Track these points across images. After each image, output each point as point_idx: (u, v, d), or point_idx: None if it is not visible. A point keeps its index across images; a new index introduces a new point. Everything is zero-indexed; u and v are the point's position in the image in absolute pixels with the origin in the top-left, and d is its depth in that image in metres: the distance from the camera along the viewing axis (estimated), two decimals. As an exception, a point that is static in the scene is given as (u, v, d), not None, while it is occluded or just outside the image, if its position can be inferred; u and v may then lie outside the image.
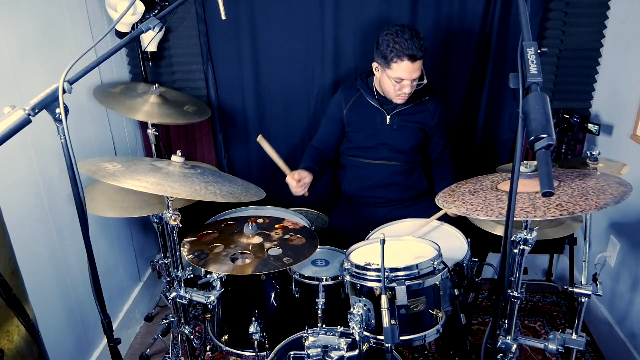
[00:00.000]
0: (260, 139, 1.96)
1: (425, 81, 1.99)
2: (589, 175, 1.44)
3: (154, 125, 2.17)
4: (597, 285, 1.49)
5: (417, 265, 1.49)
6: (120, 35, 2.19)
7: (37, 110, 1.08)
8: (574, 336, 1.49)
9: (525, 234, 1.34)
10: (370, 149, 2.19)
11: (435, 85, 2.20)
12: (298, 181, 1.99)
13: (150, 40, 2.26)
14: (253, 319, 1.73)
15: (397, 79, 1.95)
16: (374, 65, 2.04)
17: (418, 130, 2.17)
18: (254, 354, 1.77)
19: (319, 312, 1.66)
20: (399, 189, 2.22)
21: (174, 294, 1.66)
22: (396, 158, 2.19)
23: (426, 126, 2.18)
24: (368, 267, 1.51)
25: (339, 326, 1.54)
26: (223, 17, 1.46)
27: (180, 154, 1.60)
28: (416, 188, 2.27)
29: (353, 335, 1.47)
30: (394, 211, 2.20)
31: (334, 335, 1.49)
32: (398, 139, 2.16)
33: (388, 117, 2.13)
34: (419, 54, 1.90)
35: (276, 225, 1.84)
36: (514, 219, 1.07)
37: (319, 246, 1.80)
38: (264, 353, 1.77)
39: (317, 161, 2.17)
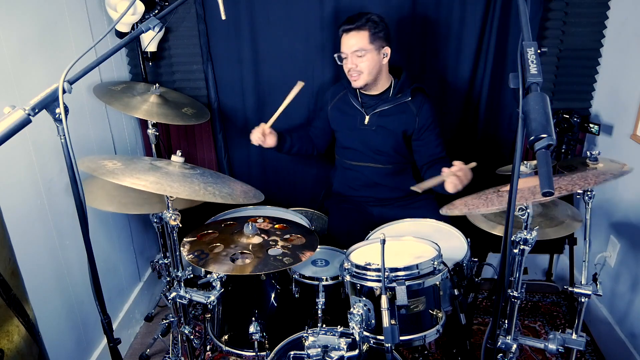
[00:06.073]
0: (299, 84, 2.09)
1: (368, 49, 1.97)
2: (589, 170, 1.46)
3: (154, 125, 2.17)
4: (597, 285, 1.49)
5: (417, 265, 1.50)
6: (120, 35, 2.19)
7: (37, 110, 1.08)
8: (574, 336, 1.49)
9: (525, 234, 1.34)
10: (351, 150, 2.19)
11: (435, 85, 2.20)
12: (262, 133, 2.12)
13: (150, 40, 2.26)
14: (253, 319, 1.73)
15: (344, 54, 2.03)
16: None
17: (398, 131, 2.11)
18: (254, 354, 1.77)
19: (319, 312, 1.66)
20: (387, 190, 2.21)
21: (174, 294, 1.66)
22: (380, 160, 2.17)
23: (407, 127, 2.10)
24: (368, 267, 1.51)
25: (339, 326, 1.54)
26: (223, 17, 1.46)
27: (180, 154, 1.60)
28: (406, 189, 2.15)
29: (353, 335, 1.47)
30: (388, 210, 2.19)
31: (334, 335, 1.49)
32: (377, 140, 2.13)
33: (367, 118, 2.11)
34: (349, 26, 1.97)
35: (276, 225, 1.84)
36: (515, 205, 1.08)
37: (319, 246, 1.80)
38: (264, 353, 1.77)
39: (297, 135, 2.30)
